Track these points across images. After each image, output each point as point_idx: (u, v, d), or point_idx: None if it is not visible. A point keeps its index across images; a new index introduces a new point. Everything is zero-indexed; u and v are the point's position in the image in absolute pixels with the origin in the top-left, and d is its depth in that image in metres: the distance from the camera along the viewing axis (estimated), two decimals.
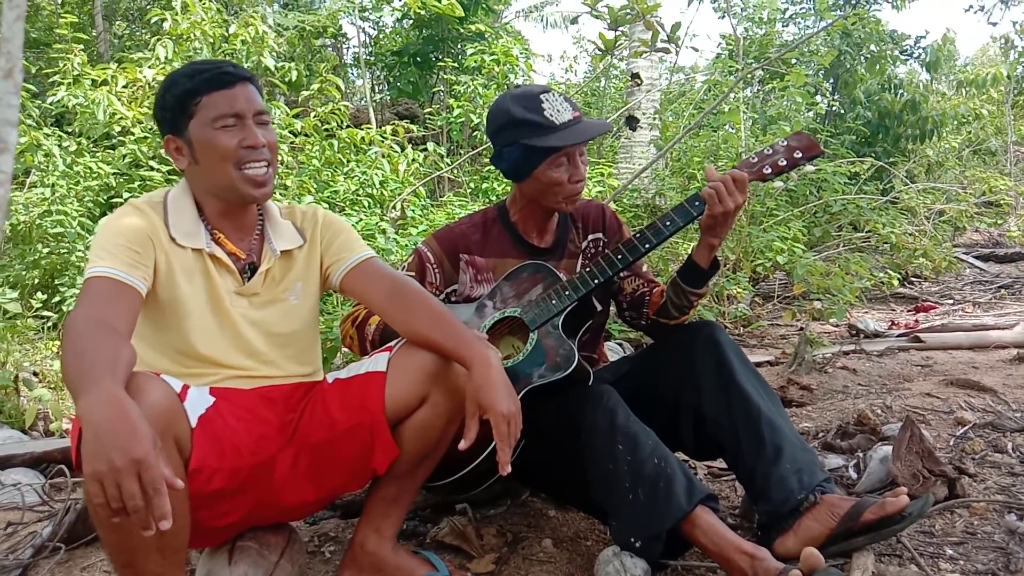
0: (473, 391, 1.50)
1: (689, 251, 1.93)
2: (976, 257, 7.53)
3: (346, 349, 3.62)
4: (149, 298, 1.51)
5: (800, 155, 1.90)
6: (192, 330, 1.56)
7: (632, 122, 6.26)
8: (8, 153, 0.53)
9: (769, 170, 1.89)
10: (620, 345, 4.00)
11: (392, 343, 1.66)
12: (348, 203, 5.33)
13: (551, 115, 1.88)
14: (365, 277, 1.68)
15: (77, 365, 1.23)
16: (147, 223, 1.54)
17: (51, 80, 5.53)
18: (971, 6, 10.78)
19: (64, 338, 1.31)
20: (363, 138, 5.77)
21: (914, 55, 11.29)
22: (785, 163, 1.90)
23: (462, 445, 1.49)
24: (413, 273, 1.99)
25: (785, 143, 1.92)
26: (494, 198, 6.12)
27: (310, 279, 1.71)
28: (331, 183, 5.56)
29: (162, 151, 5.31)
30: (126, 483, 1.09)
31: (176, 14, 5.75)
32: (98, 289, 1.42)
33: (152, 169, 5.16)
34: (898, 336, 4.32)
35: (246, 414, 1.54)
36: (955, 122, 10.17)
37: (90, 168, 5.09)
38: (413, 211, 5.40)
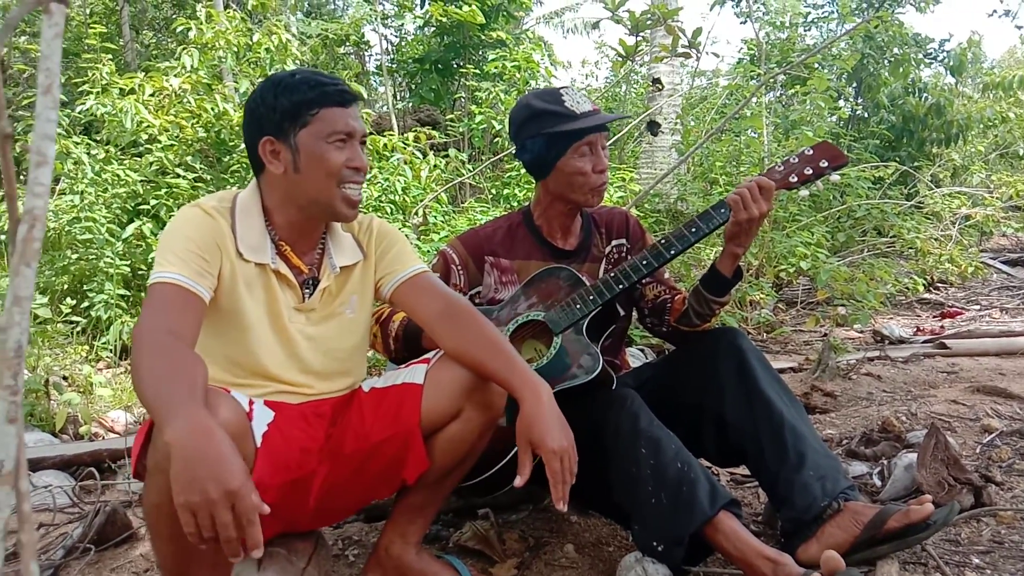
0: (525, 426, 1.47)
1: (711, 257, 1.94)
2: (1003, 262, 7.44)
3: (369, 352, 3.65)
4: (210, 305, 1.49)
5: (826, 164, 1.90)
6: (251, 343, 1.55)
7: (653, 127, 6.24)
8: (48, 166, 0.55)
9: (795, 179, 1.90)
10: (642, 351, 4.00)
11: (429, 354, 1.66)
12: (371, 209, 5.36)
13: (571, 105, 1.91)
14: (417, 292, 1.67)
15: (157, 385, 1.22)
16: (216, 230, 1.52)
17: (80, 89, 5.62)
18: (995, 11, 10.61)
19: (137, 351, 1.29)
20: (385, 145, 5.81)
21: (938, 58, 11.17)
22: (811, 172, 1.90)
23: (518, 483, 1.47)
24: (437, 275, 2.01)
25: (811, 152, 1.91)
26: (516, 204, 6.13)
27: (366, 292, 1.70)
28: None
29: (188, 159, 5.41)
30: (220, 514, 1.09)
31: (201, 24, 5.83)
32: (166, 297, 1.41)
33: (178, 176, 5.23)
34: (923, 342, 4.28)
35: (296, 431, 1.55)
36: (981, 125, 10.05)
37: (118, 176, 5.16)
38: (435, 217, 5.42)
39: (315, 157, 1.53)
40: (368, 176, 5.68)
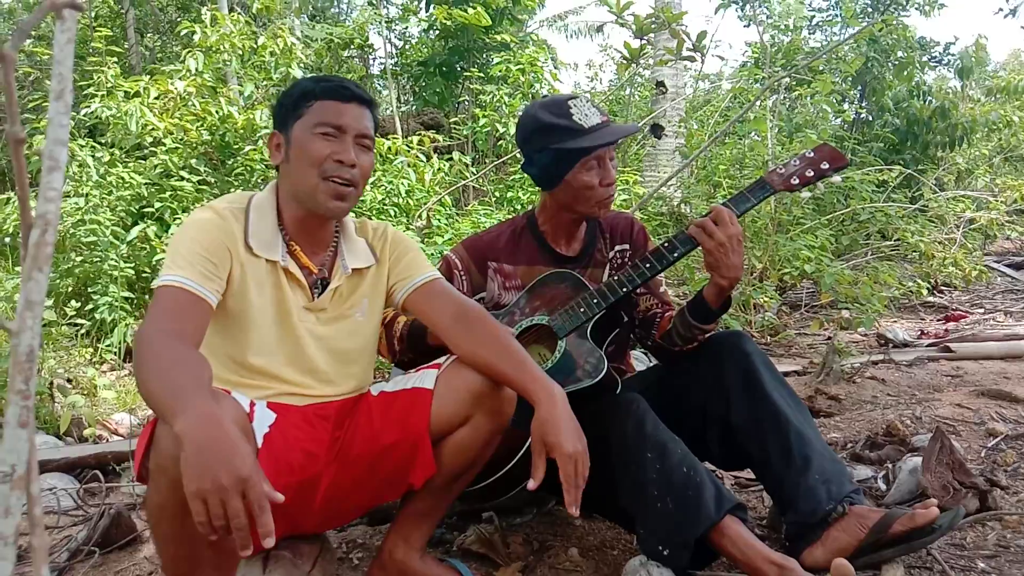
0: (539, 429, 1.47)
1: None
2: (1008, 266, 7.43)
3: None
4: (218, 307, 1.50)
5: (827, 166, 1.90)
6: (254, 342, 1.56)
7: (657, 130, 6.24)
8: (59, 171, 0.55)
9: (797, 181, 1.90)
10: (646, 354, 3.99)
11: (440, 359, 1.66)
12: (375, 213, 5.37)
13: (580, 119, 1.89)
14: (430, 298, 1.67)
15: (164, 382, 1.22)
16: (226, 232, 1.53)
17: (85, 92, 5.64)
18: (1000, 9, 10.61)
19: (140, 351, 1.29)
20: (389, 148, 5.82)
21: (943, 61, 11.17)
22: (812, 174, 1.90)
23: (531, 486, 1.46)
24: None
25: (812, 154, 1.92)
26: (519, 207, 6.14)
27: (376, 297, 1.71)
28: None
29: (192, 161, 5.43)
30: (232, 502, 1.09)
31: (206, 27, 5.84)
32: (171, 299, 1.41)
33: (183, 179, 5.24)
34: (928, 346, 4.27)
35: (299, 432, 1.55)
36: (986, 129, 10.03)
37: (122, 178, 5.17)
38: (439, 220, 5.43)
39: (301, 146, 1.56)
40: (372, 179, 5.70)
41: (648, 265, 1.89)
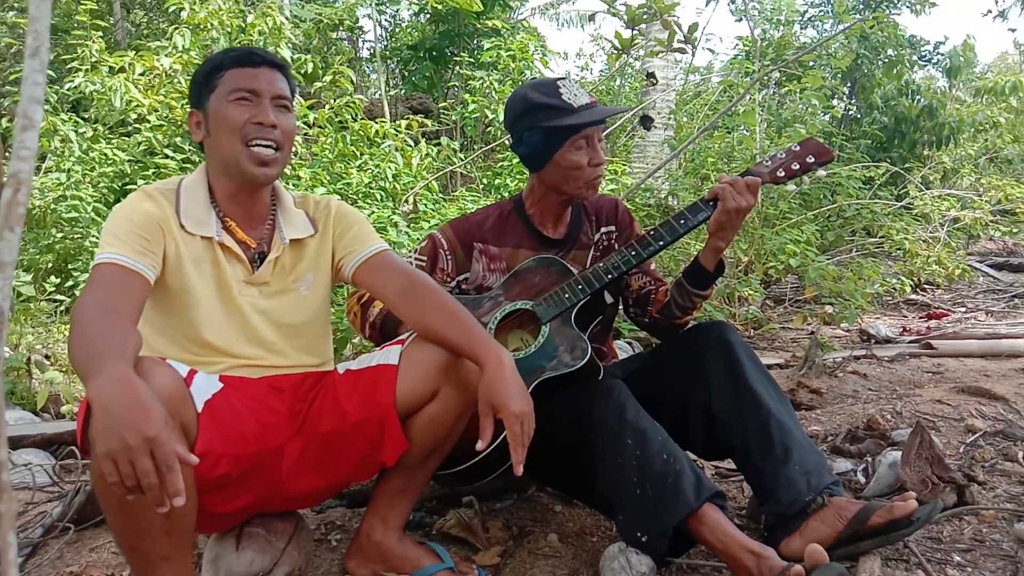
0: (485, 390, 1.49)
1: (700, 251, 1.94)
2: (990, 266, 7.50)
3: (356, 340, 3.63)
4: (158, 285, 1.51)
5: (813, 160, 1.91)
6: (200, 319, 1.56)
7: (646, 122, 6.24)
8: (34, 130, 0.53)
9: (782, 173, 1.91)
10: (629, 344, 4.00)
11: (404, 335, 1.66)
12: (361, 196, 5.33)
13: (569, 98, 1.90)
14: (378, 270, 1.68)
15: (85, 348, 1.24)
16: (158, 210, 1.54)
17: (69, 67, 5.56)
18: (989, 10, 10.67)
19: (72, 323, 1.32)
20: (377, 131, 5.78)
21: (932, 60, 11.22)
22: (798, 167, 1.91)
23: (479, 446, 1.49)
24: (425, 258, 2.01)
25: (798, 147, 1.93)
26: (506, 194, 6.11)
27: (321, 270, 1.70)
28: (344, 176, 5.57)
29: (177, 139, 5.37)
30: (140, 461, 1.09)
31: (194, 3, 5.77)
32: (106, 275, 1.43)
33: (167, 157, 5.18)
34: (910, 342, 4.30)
35: (253, 403, 1.55)
36: (972, 129, 10.09)
37: (105, 155, 5.12)
38: (425, 205, 5.39)
39: (219, 116, 1.56)
40: (358, 162, 5.66)
41: (634, 252, 1.91)
